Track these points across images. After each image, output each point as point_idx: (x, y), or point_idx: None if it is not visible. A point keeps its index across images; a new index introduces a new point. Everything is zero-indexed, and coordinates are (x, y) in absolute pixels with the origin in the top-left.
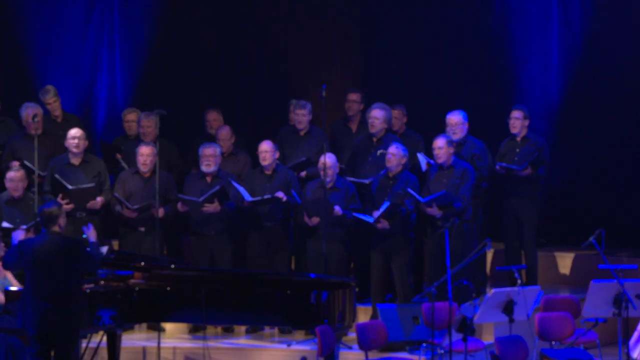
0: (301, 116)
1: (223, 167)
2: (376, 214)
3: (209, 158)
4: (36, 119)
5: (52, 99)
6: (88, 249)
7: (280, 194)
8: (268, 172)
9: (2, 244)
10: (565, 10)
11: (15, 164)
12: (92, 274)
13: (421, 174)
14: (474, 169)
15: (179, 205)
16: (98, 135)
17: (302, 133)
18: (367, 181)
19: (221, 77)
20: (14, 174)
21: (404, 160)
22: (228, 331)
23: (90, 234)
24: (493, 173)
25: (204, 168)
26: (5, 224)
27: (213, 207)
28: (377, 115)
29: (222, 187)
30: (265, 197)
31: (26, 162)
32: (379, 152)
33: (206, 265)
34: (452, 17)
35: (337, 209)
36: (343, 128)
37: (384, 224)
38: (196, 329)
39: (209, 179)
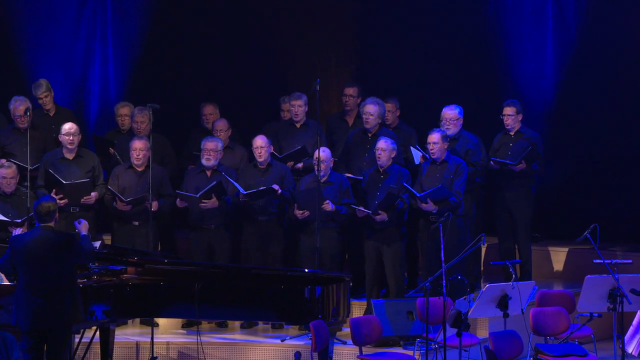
0: (297, 107)
1: (220, 160)
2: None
3: (210, 152)
4: (28, 113)
5: (44, 94)
6: (82, 243)
7: (275, 186)
8: (262, 167)
9: None
10: (559, 5)
11: (3, 161)
12: (85, 268)
13: (414, 167)
14: (466, 164)
15: (178, 202)
16: (90, 129)
17: (298, 125)
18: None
19: (215, 71)
20: (6, 171)
21: (394, 154)
22: (222, 326)
23: (82, 227)
24: (487, 168)
25: (204, 162)
26: (0, 217)
27: (211, 203)
28: (371, 111)
29: (219, 182)
30: (260, 188)
31: (12, 160)
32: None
33: (206, 259)
34: (447, 11)
35: (330, 205)
36: (339, 122)
37: (382, 216)
38: (190, 324)
39: (208, 173)
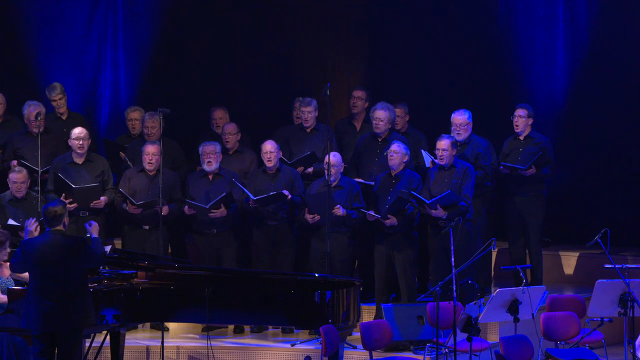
0: (307, 113)
1: (229, 165)
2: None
3: (210, 155)
4: (39, 118)
5: (58, 96)
6: (92, 246)
7: (285, 192)
8: (272, 172)
9: (8, 250)
10: (570, 8)
11: (14, 163)
12: (96, 272)
13: (424, 170)
14: (475, 169)
15: (186, 209)
16: (101, 133)
17: (308, 130)
18: (373, 183)
19: (226, 76)
20: (17, 175)
21: (405, 159)
22: (235, 331)
23: (93, 229)
24: (497, 172)
25: (205, 166)
26: (11, 221)
27: (219, 213)
28: (381, 116)
29: (229, 193)
30: (271, 193)
31: (24, 162)
32: (385, 153)
33: (212, 263)
34: (457, 16)
35: (340, 210)
36: (347, 126)
37: (392, 221)
38: (210, 328)
39: (210, 177)
